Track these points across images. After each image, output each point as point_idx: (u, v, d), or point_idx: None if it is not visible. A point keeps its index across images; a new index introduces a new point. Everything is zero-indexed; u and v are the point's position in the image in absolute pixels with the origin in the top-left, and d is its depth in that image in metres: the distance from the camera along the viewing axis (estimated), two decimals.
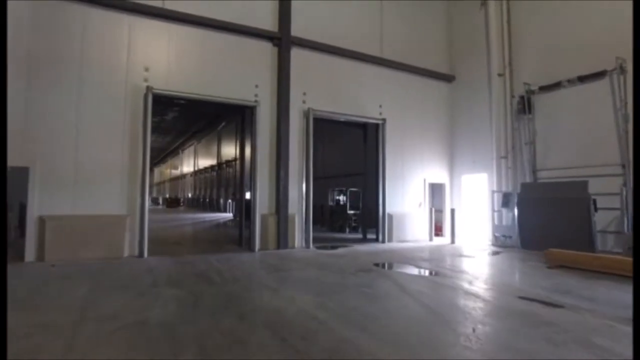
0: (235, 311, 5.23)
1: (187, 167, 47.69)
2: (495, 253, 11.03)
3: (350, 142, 17.93)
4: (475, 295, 6.20)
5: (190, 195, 46.17)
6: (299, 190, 11.89)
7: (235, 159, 32.08)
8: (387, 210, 13.45)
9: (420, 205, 14.45)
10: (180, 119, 34.80)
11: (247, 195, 12.89)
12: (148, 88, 9.83)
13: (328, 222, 17.92)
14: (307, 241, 11.73)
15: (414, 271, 8.50)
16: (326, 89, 12.66)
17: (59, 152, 9.08)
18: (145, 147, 9.78)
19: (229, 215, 28.34)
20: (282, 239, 11.28)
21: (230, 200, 30.94)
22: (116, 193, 9.64)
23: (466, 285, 6.90)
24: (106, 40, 9.70)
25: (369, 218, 16.46)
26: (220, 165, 35.53)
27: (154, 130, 43.25)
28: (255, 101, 11.26)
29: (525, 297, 6.12)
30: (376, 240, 13.56)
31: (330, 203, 18.66)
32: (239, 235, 12.03)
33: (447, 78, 15.38)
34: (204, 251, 10.74)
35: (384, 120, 13.51)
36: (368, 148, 14.40)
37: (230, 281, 7.09)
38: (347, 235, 15.67)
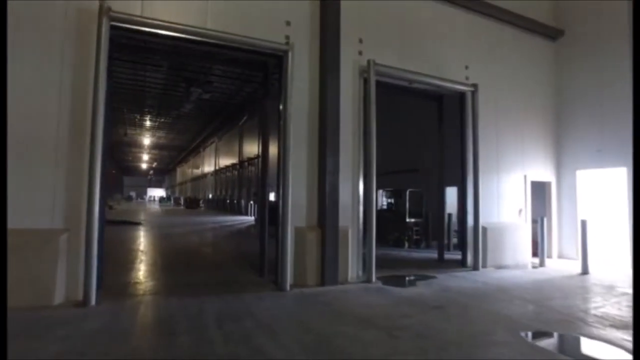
0: None
1: (208, 167, 43.99)
2: None
3: (407, 125, 13.31)
4: None
5: (210, 195, 42.35)
6: (353, 191, 7.37)
7: (257, 156, 27.90)
8: (476, 220, 8.77)
9: (520, 213, 9.70)
10: (199, 112, 31.08)
11: (271, 196, 8.64)
12: (103, 10, 5.46)
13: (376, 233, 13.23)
14: (367, 271, 7.17)
15: None
16: (391, 36, 8.09)
17: None
18: (97, 113, 5.38)
19: (250, 219, 24.08)
20: (329, 268, 6.75)
21: (251, 202, 26.72)
22: (44, 191, 5.32)
23: None
24: None
25: (434, 229, 11.96)
26: (241, 163, 31.53)
27: (171, 128, 39.86)
28: (287, 43, 6.78)
29: None
30: (462, 264, 8.87)
31: (378, 208, 14.01)
32: (260, 258, 7.55)
33: (553, 33, 10.57)
34: (201, 290, 6.31)
35: (474, 87, 8.84)
36: (444, 130, 9.75)
37: None
38: (410, 253, 11.01)
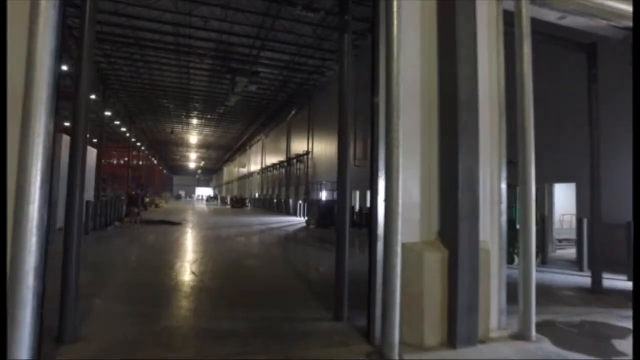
0: None
1: (255, 165, 42.23)
2: None
3: None
4: None
5: (257, 194, 40.42)
6: (492, 185, 4.35)
7: (308, 152, 25.34)
8: None
9: None
10: (245, 107, 29.19)
11: (333, 196, 5.78)
12: None
13: None
14: (523, 320, 4.07)
15: None
16: None
17: None
18: (36, 24, 2.78)
19: (298, 219, 21.47)
20: (465, 315, 3.73)
21: (300, 202, 24.13)
22: None
23: None
24: None
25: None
26: (289, 161, 29.17)
27: (217, 126, 38.24)
28: None
29: None
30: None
31: None
32: (337, 288, 4.66)
33: None
34: (241, 351, 3.55)
35: None
36: (597, 89, 6.48)
37: None
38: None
